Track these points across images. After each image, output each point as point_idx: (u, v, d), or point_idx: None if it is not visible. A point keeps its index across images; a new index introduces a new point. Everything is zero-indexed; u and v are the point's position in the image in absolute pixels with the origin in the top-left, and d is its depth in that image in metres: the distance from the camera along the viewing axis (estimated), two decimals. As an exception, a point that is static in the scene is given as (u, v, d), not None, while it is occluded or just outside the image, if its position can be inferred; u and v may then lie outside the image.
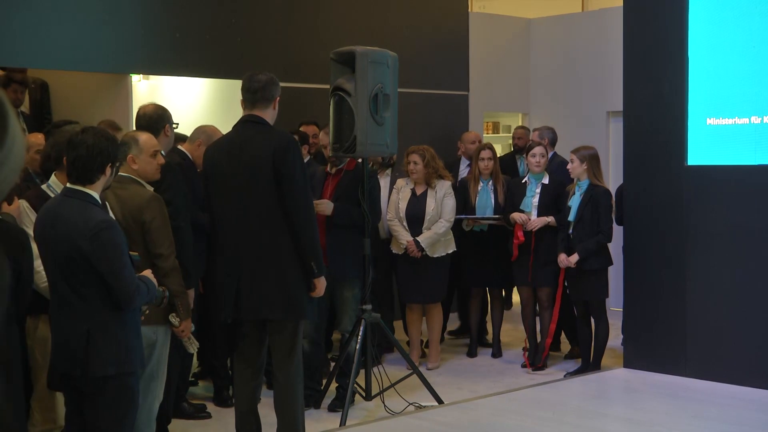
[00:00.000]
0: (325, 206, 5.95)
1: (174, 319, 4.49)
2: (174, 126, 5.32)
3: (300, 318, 4.80)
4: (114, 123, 5.92)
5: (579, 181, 6.91)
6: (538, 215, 7.10)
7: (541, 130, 8.15)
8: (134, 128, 5.34)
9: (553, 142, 8.03)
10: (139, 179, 4.57)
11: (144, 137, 4.69)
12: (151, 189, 4.62)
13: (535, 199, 7.14)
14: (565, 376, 6.99)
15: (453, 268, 7.49)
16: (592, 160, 6.86)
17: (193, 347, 4.74)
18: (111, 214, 3.91)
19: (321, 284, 4.77)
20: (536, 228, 7.04)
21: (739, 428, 5.62)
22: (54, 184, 4.55)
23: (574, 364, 7.29)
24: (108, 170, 3.76)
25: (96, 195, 3.75)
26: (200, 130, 5.99)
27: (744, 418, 5.79)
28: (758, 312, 6.39)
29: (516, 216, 7.11)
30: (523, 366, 7.31)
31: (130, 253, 3.81)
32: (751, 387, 6.30)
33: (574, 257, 6.81)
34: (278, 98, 4.85)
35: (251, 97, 4.78)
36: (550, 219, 7.03)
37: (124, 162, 4.47)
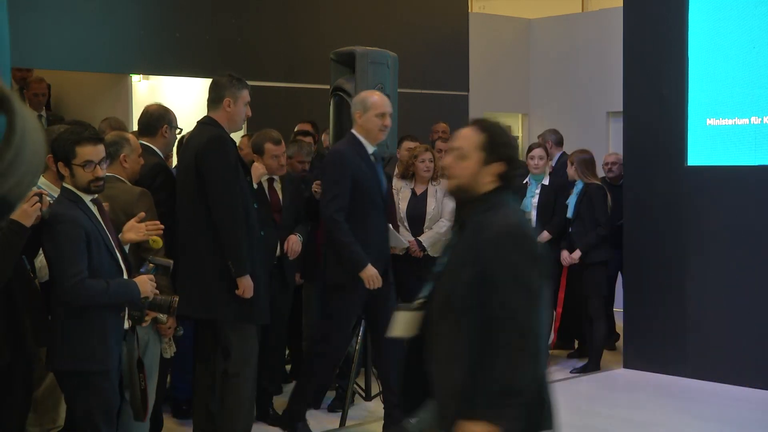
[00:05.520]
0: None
1: (161, 315, 4.38)
2: (178, 130, 5.29)
3: (214, 317, 4.73)
4: (118, 121, 5.87)
5: (576, 182, 6.99)
6: (537, 215, 7.11)
7: (543, 135, 8.10)
8: (136, 127, 5.33)
9: (558, 142, 8.02)
10: (123, 179, 4.53)
11: (133, 138, 4.69)
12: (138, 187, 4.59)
13: (535, 200, 7.16)
14: (571, 371, 7.02)
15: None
16: (580, 163, 6.97)
17: (170, 351, 4.63)
18: (97, 214, 3.85)
19: (243, 284, 4.61)
20: None
21: (739, 428, 5.63)
22: (44, 185, 4.48)
23: (576, 363, 7.29)
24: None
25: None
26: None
27: (744, 418, 5.79)
28: (758, 312, 6.39)
29: None
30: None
31: (153, 260, 3.78)
32: (750, 387, 6.31)
33: (577, 253, 6.85)
34: (235, 99, 4.76)
35: (208, 98, 4.88)
36: (544, 238, 7.02)
37: (116, 161, 4.45)
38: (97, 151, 3.77)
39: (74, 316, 3.74)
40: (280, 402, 5.75)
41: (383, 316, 4.96)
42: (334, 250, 5.19)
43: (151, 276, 3.95)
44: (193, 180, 4.67)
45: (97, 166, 3.77)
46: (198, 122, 4.90)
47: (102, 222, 3.83)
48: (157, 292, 3.95)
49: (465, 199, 2.79)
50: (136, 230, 4.12)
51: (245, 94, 4.80)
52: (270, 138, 5.63)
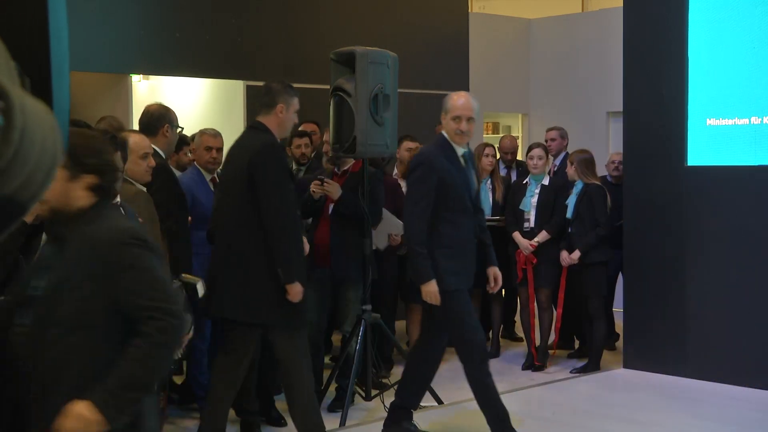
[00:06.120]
0: (334, 188, 5.88)
1: None
2: (179, 129, 5.29)
3: (262, 322, 4.78)
4: (117, 120, 5.86)
5: (575, 182, 7.00)
6: (536, 215, 7.11)
7: (560, 130, 8.09)
8: (137, 127, 5.33)
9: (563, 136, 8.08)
10: (128, 178, 4.53)
11: (135, 138, 4.67)
12: (142, 188, 4.59)
13: (534, 199, 7.16)
14: (571, 371, 7.02)
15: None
16: (580, 163, 6.97)
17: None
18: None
19: (293, 290, 4.64)
20: (533, 248, 7.06)
21: (739, 428, 5.63)
22: None
23: (576, 363, 7.28)
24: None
25: None
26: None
27: (743, 418, 5.79)
28: (758, 312, 6.39)
29: (517, 239, 7.12)
30: (525, 368, 7.29)
31: (181, 278, 3.67)
32: (750, 387, 6.31)
33: (576, 254, 6.85)
34: (287, 106, 4.81)
35: (258, 102, 4.93)
36: (542, 237, 7.02)
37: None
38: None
39: None
40: (280, 404, 5.75)
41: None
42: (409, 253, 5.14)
43: None
44: (243, 185, 4.66)
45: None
46: (248, 126, 4.94)
47: None
48: None
49: (63, 219, 2.66)
50: None
51: (296, 102, 4.88)
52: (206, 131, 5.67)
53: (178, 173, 5.90)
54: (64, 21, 0.91)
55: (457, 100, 5.14)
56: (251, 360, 5.08)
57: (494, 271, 5.28)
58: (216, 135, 5.95)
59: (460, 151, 5.10)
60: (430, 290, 4.94)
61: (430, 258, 4.94)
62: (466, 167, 5.11)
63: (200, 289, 3.72)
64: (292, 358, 4.77)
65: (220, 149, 5.85)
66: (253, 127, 4.91)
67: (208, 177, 5.84)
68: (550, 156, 7.59)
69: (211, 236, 5.09)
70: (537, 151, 7.22)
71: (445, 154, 5.05)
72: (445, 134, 5.13)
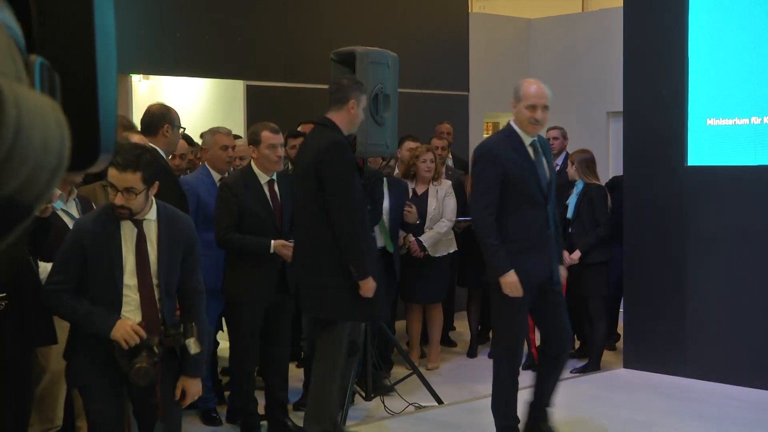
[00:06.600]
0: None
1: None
2: (181, 129, 5.28)
3: (333, 317, 4.85)
4: (126, 119, 5.84)
5: (576, 182, 7.00)
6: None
7: (561, 130, 8.12)
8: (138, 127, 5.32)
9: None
10: None
11: (134, 139, 4.68)
12: None
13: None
14: (571, 371, 7.01)
15: (452, 269, 7.50)
16: (581, 162, 6.97)
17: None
18: (130, 240, 3.61)
19: (365, 286, 4.70)
20: None
21: (738, 428, 5.63)
22: None
23: (576, 363, 7.28)
24: None
25: None
26: None
27: (743, 418, 5.79)
28: (758, 312, 6.39)
29: None
30: (524, 368, 7.29)
31: (187, 343, 3.57)
32: (750, 387, 6.31)
33: (576, 254, 6.85)
34: (358, 102, 4.87)
35: (328, 99, 4.96)
36: None
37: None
38: (123, 178, 3.50)
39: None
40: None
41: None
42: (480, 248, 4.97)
43: (135, 326, 3.53)
44: (311, 182, 4.71)
45: (119, 193, 3.52)
46: (315, 123, 4.95)
47: (132, 248, 3.59)
48: (143, 362, 3.50)
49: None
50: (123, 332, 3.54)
51: (365, 99, 4.94)
52: (267, 127, 5.49)
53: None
54: (111, 18, 0.89)
55: (529, 87, 4.92)
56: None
57: (560, 271, 5.03)
58: (229, 133, 5.91)
59: (528, 140, 4.87)
60: (510, 281, 4.71)
61: (503, 247, 4.73)
62: (536, 157, 4.90)
63: (192, 346, 3.59)
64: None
65: (234, 147, 5.84)
66: (320, 123, 4.91)
67: (217, 178, 5.71)
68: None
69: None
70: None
71: (511, 144, 4.84)
72: (513, 123, 4.91)
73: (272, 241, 5.23)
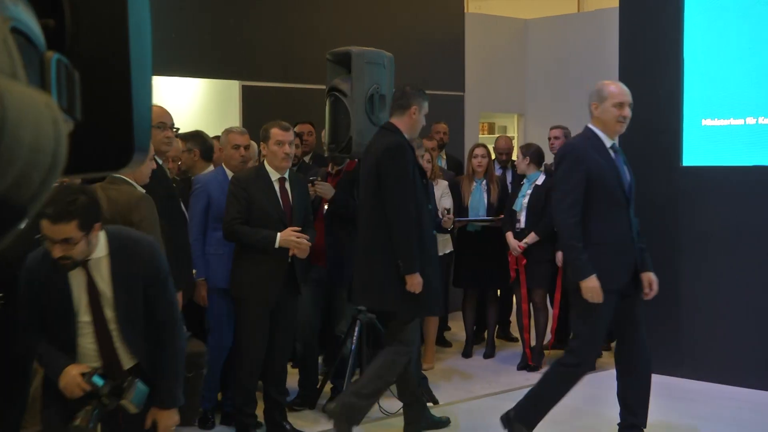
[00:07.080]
0: (326, 189, 6.00)
1: None
2: (174, 130, 5.27)
3: (389, 310, 5.10)
4: None
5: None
6: (527, 215, 7.07)
7: (563, 129, 8.07)
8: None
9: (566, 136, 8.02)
10: (131, 181, 4.53)
11: None
12: (143, 191, 4.58)
13: (526, 200, 7.13)
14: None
15: (448, 269, 7.50)
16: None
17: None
18: (79, 283, 3.44)
19: (411, 281, 4.87)
20: (523, 249, 7.02)
21: (739, 429, 5.64)
22: None
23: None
24: None
25: None
26: None
27: (743, 418, 5.80)
28: (755, 312, 6.40)
29: (508, 239, 7.10)
30: (520, 368, 7.30)
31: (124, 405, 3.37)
32: (749, 388, 6.31)
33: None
34: (420, 108, 5.07)
35: (391, 105, 5.21)
36: (531, 239, 6.99)
37: None
38: (57, 230, 3.20)
39: None
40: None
41: None
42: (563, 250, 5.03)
43: (79, 378, 3.33)
44: (373, 183, 4.97)
45: (57, 245, 3.23)
46: (380, 127, 5.22)
47: (85, 287, 3.38)
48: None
49: None
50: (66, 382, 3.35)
51: (426, 106, 5.14)
52: (278, 124, 5.41)
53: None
54: (146, 16, 0.88)
55: (611, 86, 4.95)
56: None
57: (648, 277, 4.87)
58: (243, 132, 5.84)
59: (608, 142, 4.89)
60: (591, 286, 4.63)
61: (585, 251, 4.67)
62: (616, 159, 4.90)
63: (129, 407, 3.34)
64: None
65: (247, 146, 5.77)
66: (384, 128, 5.14)
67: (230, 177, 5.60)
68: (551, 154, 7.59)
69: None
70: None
71: (592, 145, 4.84)
72: (592, 126, 4.90)
73: (279, 234, 5.19)
